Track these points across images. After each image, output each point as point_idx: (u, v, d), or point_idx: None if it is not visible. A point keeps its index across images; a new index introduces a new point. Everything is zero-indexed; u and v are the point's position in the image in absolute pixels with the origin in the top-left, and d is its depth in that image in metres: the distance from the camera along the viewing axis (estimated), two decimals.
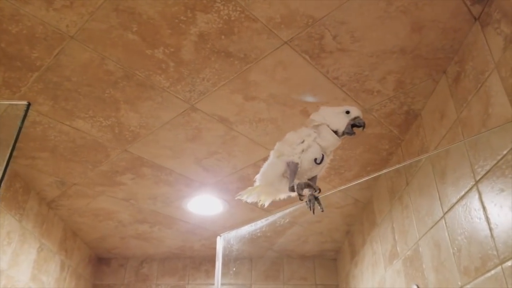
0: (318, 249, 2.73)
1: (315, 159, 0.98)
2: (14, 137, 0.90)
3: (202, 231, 2.55)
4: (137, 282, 2.87)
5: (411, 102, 1.52)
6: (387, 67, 1.36)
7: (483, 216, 1.13)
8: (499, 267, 1.04)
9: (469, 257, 1.19)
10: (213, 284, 2.67)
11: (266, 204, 1.07)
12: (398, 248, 1.75)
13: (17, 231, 1.94)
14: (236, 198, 1.10)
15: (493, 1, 1.12)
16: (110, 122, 1.61)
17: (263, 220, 1.27)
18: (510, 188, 1.02)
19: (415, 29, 1.23)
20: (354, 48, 1.29)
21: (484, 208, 1.13)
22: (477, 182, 1.16)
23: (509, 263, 1.01)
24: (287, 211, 1.43)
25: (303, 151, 0.98)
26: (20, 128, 0.94)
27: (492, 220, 1.09)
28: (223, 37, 1.26)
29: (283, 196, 1.06)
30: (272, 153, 1.04)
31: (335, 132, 0.99)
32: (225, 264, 1.21)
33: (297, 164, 0.98)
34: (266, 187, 1.05)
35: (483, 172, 1.13)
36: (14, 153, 1.79)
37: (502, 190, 1.05)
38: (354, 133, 0.99)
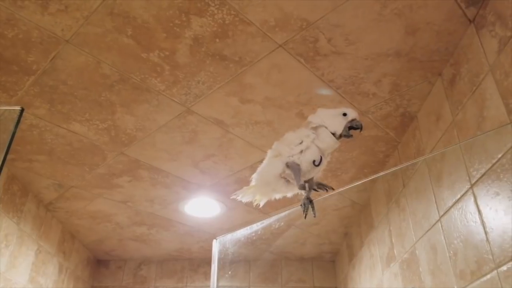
0: (316, 251, 2.73)
1: (314, 161, 0.97)
2: (8, 142, 0.90)
3: (200, 233, 2.55)
4: (136, 284, 2.87)
5: (407, 105, 1.51)
6: (382, 69, 1.36)
7: (478, 220, 1.13)
8: (495, 272, 1.04)
9: (465, 260, 1.19)
10: None
11: (262, 204, 1.06)
12: (395, 251, 1.74)
13: (15, 234, 1.94)
14: (231, 198, 1.09)
15: (487, 3, 1.12)
16: (107, 125, 1.61)
17: (258, 223, 1.27)
18: (505, 192, 1.01)
19: (409, 31, 1.23)
20: (349, 51, 1.29)
21: (479, 211, 1.12)
22: (472, 185, 1.16)
23: (504, 268, 1.00)
24: (285, 213, 1.42)
25: (301, 152, 0.97)
26: (14, 133, 0.93)
27: (487, 224, 1.09)
28: (217, 40, 1.26)
29: (278, 196, 1.05)
30: (269, 153, 1.03)
31: (333, 134, 0.98)
32: (222, 266, 1.21)
33: (298, 164, 0.97)
34: (262, 186, 1.03)
35: (478, 176, 1.13)
36: (12, 156, 1.81)
37: (497, 194, 1.05)
38: (351, 135, 0.98)
